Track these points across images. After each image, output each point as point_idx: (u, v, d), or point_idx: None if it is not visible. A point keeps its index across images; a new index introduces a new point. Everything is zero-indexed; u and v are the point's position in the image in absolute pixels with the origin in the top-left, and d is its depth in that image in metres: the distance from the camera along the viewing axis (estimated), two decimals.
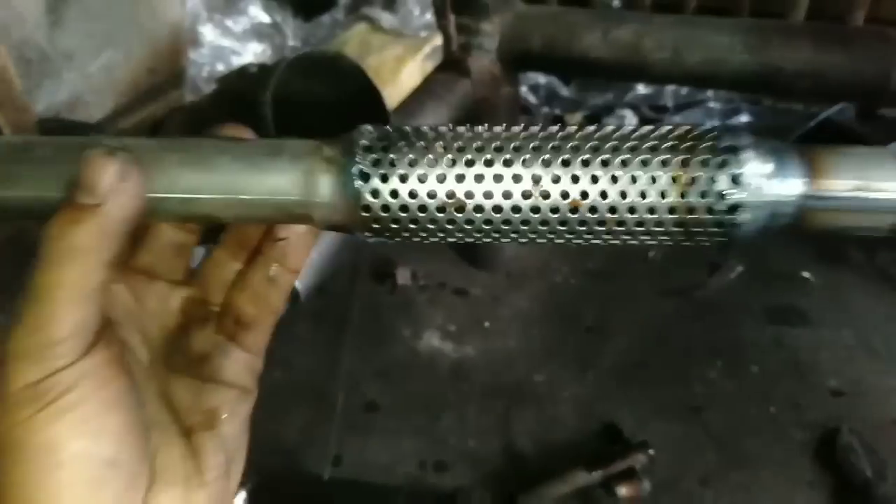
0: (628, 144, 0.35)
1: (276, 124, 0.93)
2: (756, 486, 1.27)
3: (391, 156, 0.35)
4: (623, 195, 0.34)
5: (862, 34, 1.39)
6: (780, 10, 1.64)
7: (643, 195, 0.34)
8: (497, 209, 0.35)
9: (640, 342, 1.52)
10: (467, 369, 1.48)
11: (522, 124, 0.37)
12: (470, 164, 0.35)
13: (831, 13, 1.62)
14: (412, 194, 0.35)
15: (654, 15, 1.57)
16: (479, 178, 0.35)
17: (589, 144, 0.35)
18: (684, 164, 0.34)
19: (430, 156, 0.35)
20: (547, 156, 0.34)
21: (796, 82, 1.31)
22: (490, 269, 1.71)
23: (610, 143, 0.35)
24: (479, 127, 0.36)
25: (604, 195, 0.34)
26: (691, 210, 0.34)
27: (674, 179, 0.34)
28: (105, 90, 1.37)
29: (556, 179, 0.34)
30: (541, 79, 2.00)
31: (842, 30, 1.46)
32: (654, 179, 0.34)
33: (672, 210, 0.34)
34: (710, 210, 0.34)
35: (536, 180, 0.34)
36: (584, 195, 0.34)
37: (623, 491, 1.22)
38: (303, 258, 0.42)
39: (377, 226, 0.35)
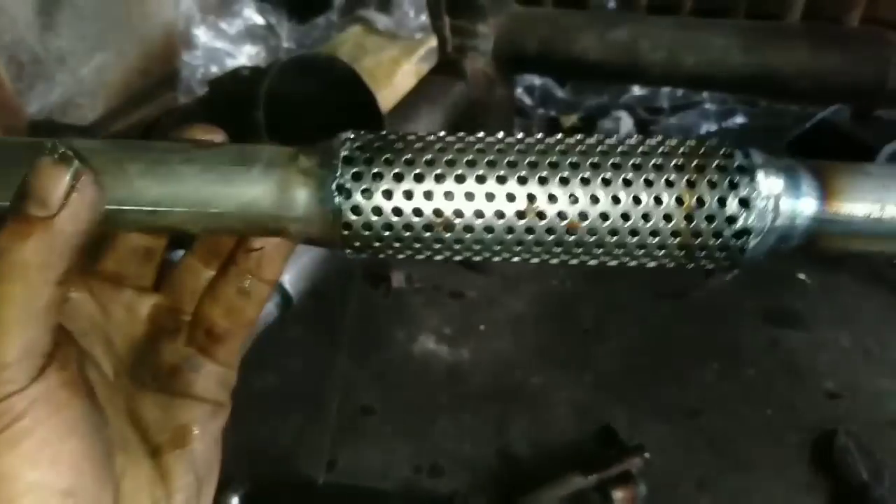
0: (631, 161, 0.32)
1: (268, 127, 0.92)
2: (753, 489, 1.27)
3: (374, 169, 0.32)
4: (625, 217, 0.31)
5: (858, 35, 1.39)
6: (775, 11, 1.64)
7: (646, 217, 0.31)
8: (489, 229, 0.32)
9: (636, 345, 1.51)
10: (463, 372, 1.47)
11: (518, 133, 0.34)
12: (460, 179, 0.31)
13: (827, 14, 1.62)
14: (397, 211, 0.32)
15: (649, 17, 1.57)
16: (469, 196, 0.31)
17: (589, 161, 0.32)
18: (690, 184, 0.31)
19: (417, 170, 0.32)
20: (544, 173, 0.31)
21: (792, 84, 1.31)
22: (485, 271, 1.70)
23: (611, 160, 0.32)
24: (472, 137, 0.33)
25: (604, 217, 0.31)
26: (697, 234, 0.31)
27: (679, 201, 0.31)
28: (97, 92, 1.36)
29: (553, 199, 0.31)
30: (536, 80, 2.00)
31: (838, 31, 1.46)
32: (658, 201, 0.31)
33: (676, 234, 0.31)
34: (717, 234, 0.31)
35: (531, 199, 0.31)
36: (583, 216, 0.31)
37: (619, 494, 1.21)
38: (279, 269, 0.39)
39: (358, 243, 0.33)
